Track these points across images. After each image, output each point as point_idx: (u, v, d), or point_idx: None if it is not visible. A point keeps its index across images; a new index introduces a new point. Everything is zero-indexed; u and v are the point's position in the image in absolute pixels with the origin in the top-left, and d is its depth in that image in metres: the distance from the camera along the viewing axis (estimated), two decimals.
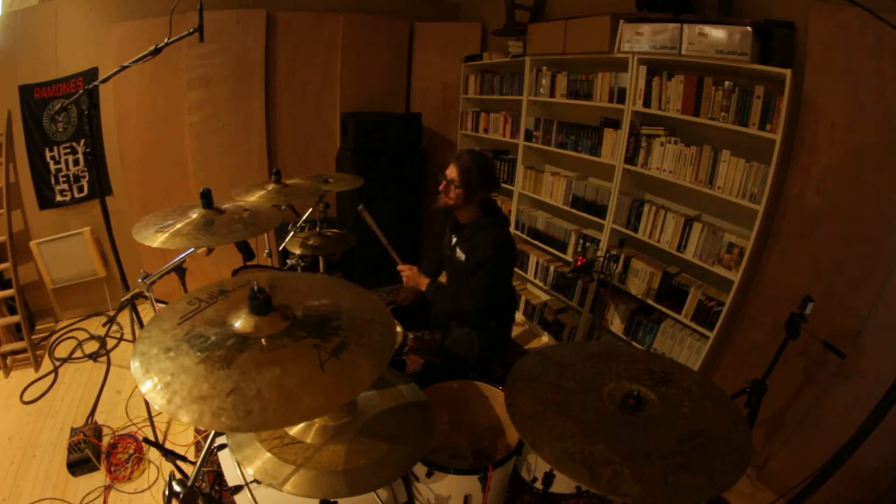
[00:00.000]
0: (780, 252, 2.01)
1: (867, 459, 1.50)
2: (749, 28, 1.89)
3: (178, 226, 1.47)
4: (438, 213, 2.09)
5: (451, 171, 1.90)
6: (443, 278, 2.21)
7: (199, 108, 3.22)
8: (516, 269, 3.25)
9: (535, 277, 3.27)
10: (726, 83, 2.00)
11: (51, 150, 2.96)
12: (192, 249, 1.59)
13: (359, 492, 1.01)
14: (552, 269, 3.10)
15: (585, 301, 2.66)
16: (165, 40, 1.83)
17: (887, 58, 1.60)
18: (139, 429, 2.19)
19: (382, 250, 2.11)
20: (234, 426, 0.77)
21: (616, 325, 2.69)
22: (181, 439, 2.14)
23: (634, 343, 2.58)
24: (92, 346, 2.87)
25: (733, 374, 2.17)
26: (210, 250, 1.75)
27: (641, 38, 2.29)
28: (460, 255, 1.98)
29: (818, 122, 1.82)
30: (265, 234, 1.94)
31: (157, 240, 1.42)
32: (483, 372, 2.05)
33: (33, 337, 2.86)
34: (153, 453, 2.06)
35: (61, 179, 3.03)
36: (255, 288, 0.95)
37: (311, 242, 2.28)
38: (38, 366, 2.69)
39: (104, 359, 2.74)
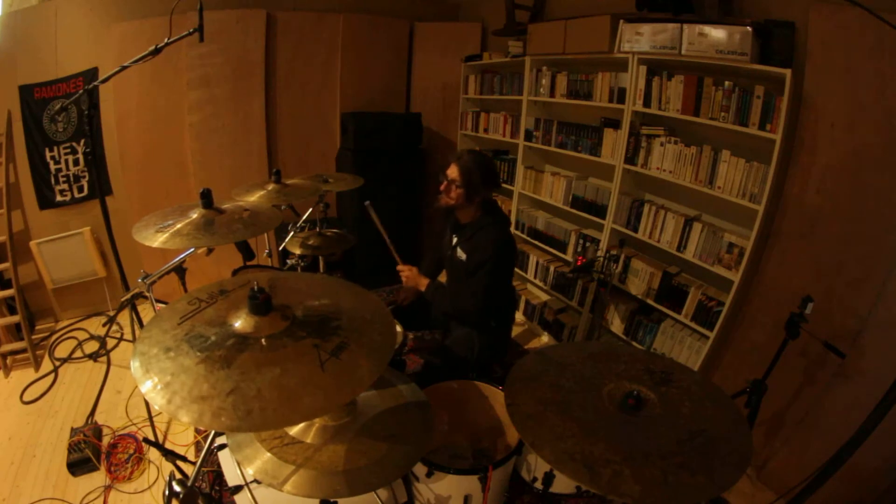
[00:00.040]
0: (780, 252, 2.01)
1: (867, 459, 1.50)
2: (749, 28, 1.89)
3: (178, 226, 1.47)
4: (439, 213, 2.09)
5: (453, 171, 1.90)
6: (443, 278, 2.21)
7: (199, 108, 3.22)
8: (516, 269, 3.25)
9: (535, 277, 3.27)
10: (726, 83, 2.00)
11: (51, 150, 2.96)
12: (192, 249, 1.59)
13: (359, 492, 1.01)
14: (552, 269, 3.10)
15: (585, 301, 2.66)
16: (165, 40, 1.83)
17: (887, 58, 1.60)
18: (139, 429, 2.19)
19: (383, 250, 2.11)
20: (234, 426, 0.77)
21: (616, 325, 2.69)
22: (181, 439, 2.14)
23: (634, 343, 2.58)
24: (92, 346, 2.87)
25: (733, 374, 2.17)
26: (210, 250, 1.75)
27: (641, 38, 2.29)
28: (461, 254, 1.98)
29: (818, 122, 1.82)
30: (265, 234, 1.94)
31: (157, 240, 1.42)
32: (483, 372, 2.05)
33: (33, 337, 2.86)
34: (153, 453, 2.06)
35: (61, 179, 3.03)
36: (255, 288, 0.95)
37: (311, 242, 2.28)
38: (38, 366, 2.69)
39: (104, 359, 2.74)
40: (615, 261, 2.50)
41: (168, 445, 2.08)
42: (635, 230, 2.52)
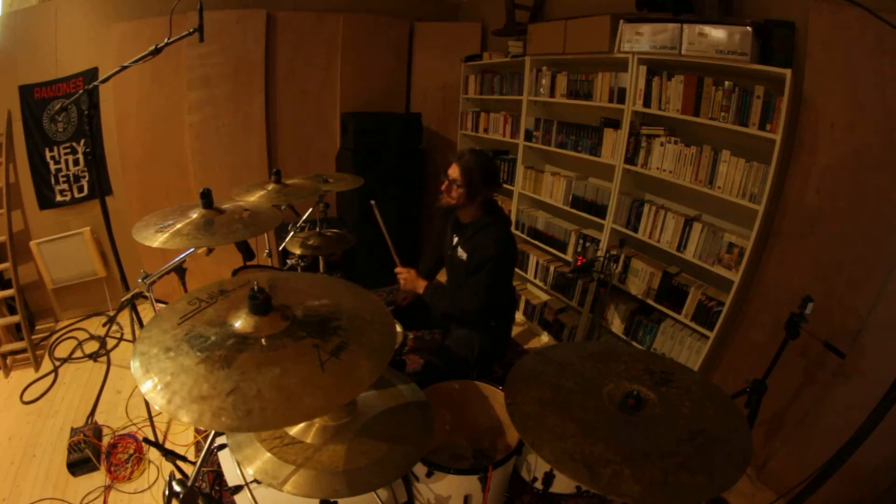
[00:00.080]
0: (780, 252, 2.01)
1: (867, 459, 1.50)
2: (749, 28, 1.89)
3: (178, 226, 1.47)
4: (439, 213, 2.09)
5: (454, 171, 1.90)
6: (442, 277, 2.21)
7: (199, 108, 3.22)
8: (516, 269, 3.25)
9: (535, 277, 3.27)
10: (726, 83, 2.00)
11: (51, 150, 2.96)
12: (192, 249, 1.59)
13: (359, 492, 1.01)
14: (552, 269, 3.10)
15: (585, 301, 2.66)
16: (165, 40, 1.83)
17: (887, 58, 1.60)
18: (139, 429, 2.19)
19: (383, 250, 2.11)
20: (234, 426, 0.77)
21: (616, 325, 2.69)
22: (181, 439, 2.14)
23: (634, 343, 2.58)
24: (92, 346, 2.87)
25: (733, 374, 2.17)
26: (210, 250, 1.75)
27: (641, 38, 2.29)
28: (462, 254, 1.98)
29: (818, 122, 1.82)
30: (265, 234, 1.94)
31: (157, 240, 1.42)
32: (483, 372, 2.05)
33: (33, 337, 2.86)
34: (153, 453, 2.06)
35: (61, 179, 3.03)
36: (255, 288, 0.95)
37: (311, 242, 2.28)
38: (38, 366, 2.69)
39: (104, 359, 2.74)
40: (615, 261, 2.50)
41: (168, 445, 2.08)
42: (635, 230, 2.52)
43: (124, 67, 1.87)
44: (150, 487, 1.91)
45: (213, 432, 1.20)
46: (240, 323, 0.94)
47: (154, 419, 2.18)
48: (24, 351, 2.70)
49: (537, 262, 3.21)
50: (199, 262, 2.10)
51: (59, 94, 2.88)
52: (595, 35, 2.50)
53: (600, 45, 2.48)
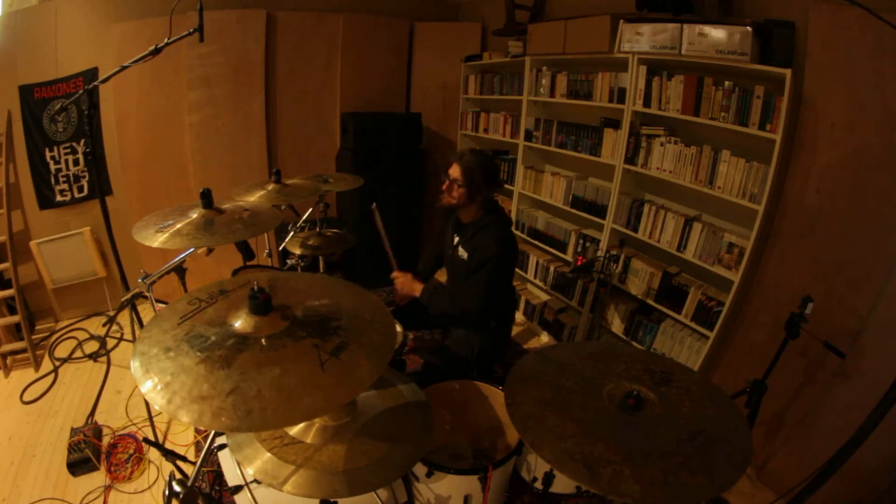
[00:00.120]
0: (780, 252, 2.01)
1: (867, 459, 1.50)
2: (749, 28, 1.89)
3: (178, 226, 1.47)
4: (439, 213, 2.09)
5: (454, 171, 1.90)
6: (441, 276, 2.21)
7: (199, 108, 3.22)
8: (516, 269, 3.25)
9: (535, 277, 3.27)
10: (726, 83, 2.00)
11: (51, 150, 2.96)
12: (192, 249, 1.59)
13: (359, 492, 1.01)
14: (552, 269, 3.10)
15: (585, 301, 2.66)
16: (165, 40, 1.83)
17: (887, 58, 1.60)
18: (139, 429, 2.19)
19: (383, 251, 2.11)
20: (234, 426, 0.77)
21: (616, 325, 2.69)
22: (181, 439, 2.14)
23: (634, 343, 2.58)
24: (92, 346, 2.87)
25: (733, 374, 2.18)
26: (210, 250, 1.75)
27: (641, 38, 2.29)
28: (462, 253, 1.98)
29: (818, 122, 1.82)
30: (265, 234, 1.94)
31: (157, 240, 1.41)
32: (483, 372, 2.05)
33: (33, 337, 2.86)
34: (153, 453, 2.06)
35: (61, 179, 3.03)
36: (255, 288, 0.95)
37: (311, 242, 2.28)
38: (38, 366, 2.69)
39: (104, 359, 2.74)
40: (615, 261, 2.50)
41: (168, 445, 2.08)
42: (635, 230, 2.52)
43: (124, 67, 1.87)
44: (150, 487, 1.91)
45: (213, 432, 1.20)
46: (240, 323, 0.94)
47: (154, 419, 2.18)
48: (24, 351, 2.70)
49: (537, 262, 3.21)
50: (199, 262, 2.11)
51: (59, 94, 2.88)
52: (595, 35, 2.50)
53: (600, 45, 2.48)
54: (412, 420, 1.20)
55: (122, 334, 2.98)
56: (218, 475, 1.73)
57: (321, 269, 2.63)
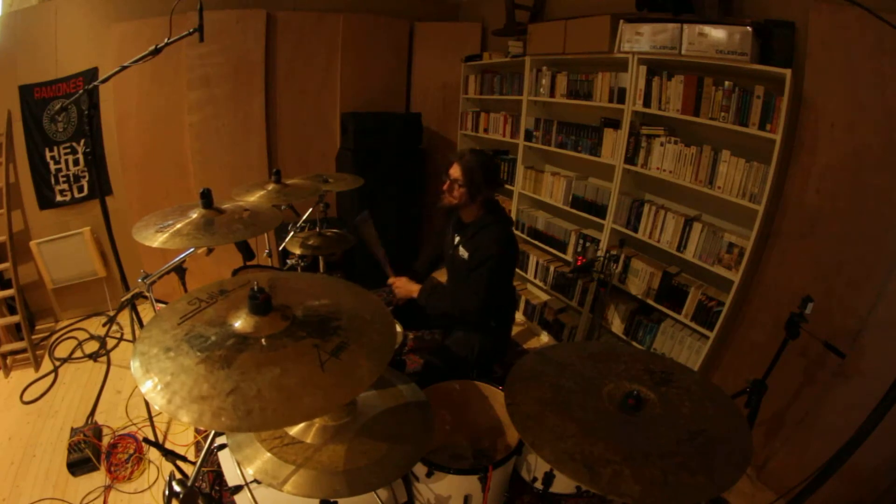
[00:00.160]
0: (780, 252, 2.01)
1: (867, 459, 1.50)
2: (749, 28, 1.89)
3: (178, 226, 1.47)
4: (440, 213, 2.09)
5: (455, 171, 1.90)
6: (441, 276, 2.21)
7: (199, 108, 3.22)
8: (517, 269, 3.26)
9: (535, 277, 3.27)
10: (726, 83, 2.00)
11: (51, 150, 2.96)
12: (192, 249, 1.59)
13: (359, 492, 1.01)
14: (552, 269, 3.10)
15: (585, 301, 2.66)
16: (165, 40, 1.83)
17: (887, 58, 1.60)
18: (139, 429, 2.19)
19: (383, 249, 2.11)
20: (234, 426, 0.77)
21: (616, 325, 2.69)
22: (181, 439, 2.14)
23: (634, 343, 2.58)
24: (92, 346, 2.87)
25: (733, 374, 2.18)
26: (210, 250, 1.75)
27: (641, 38, 2.29)
28: (463, 253, 1.99)
29: (818, 122, 1.82)
30: (265, 234, 1.94)
31: (157, 240, 1.41)
32: (483, 372, 2.05)
33: (33, 337, 2.86)
34: (153, 453, 2.06)
35: (61, 179, 3.03)
36: (255, 288, 0.95)
37: (311, 242, 2.28)
38: (38, 366, 2.69)
39: (104, 359, 2.74)
40: (615, 261, 2.50)
41: (168, 445, 2.08)
42: (635, 230, 2.52)
43: (124, 67, 1.87)
44: (150, 487, 1.91)
45: (213, 432, 1.20)
46: (240, 323, 0.94)
47: (154, 419, 2.18)
48: (24, 351, 2.70)
49: (537, 262, 3.21)
50: (199, 262, 2.11)
51: (59, 94, 2.88)
52: (595, 35, 2.50)
53: (600, 45, 2.48)
54: (412, 420, 1.20)
55: (122, 334, 2.97)
56: (218, 475, 1.73)
57: (321, 269, 2.63)
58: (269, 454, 1.05)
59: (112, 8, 2.88)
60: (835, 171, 1.80)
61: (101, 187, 2.36)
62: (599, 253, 2.58)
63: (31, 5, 2.78)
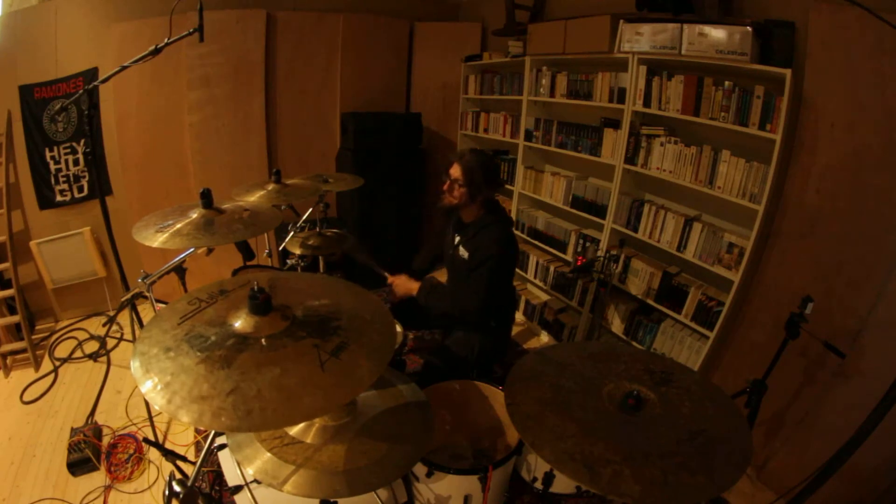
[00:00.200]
0: (780, 252, 2.01)
1: (867, 459, 1.50)
2: (749, 28, 1.89)
3: (178, 226, 1.47)
4: (440, 213, 2.09)
5: (455, 170, 1.90)
6: (441, 276, 2.22)
7: (199, 108, 3.22)
8: (517, 269, 3.26)
9: (535, 277, 3.27)
10: (726, 83, 2.00)
11: (51, 150, 2.96)
12: (192, 249, 1.59)
13: (359, 492, 1.01)
14: (552, 269, 3.10)
15: (585, 301, 2.66)
16: (165, 40, 1.83)
17: (887, 58, 1.60)
18: (139, 429, 2.19)
19: (383, 250, 2.12)
20: (234, 426, 0.77)
21: (616, 325, 2.69)
22: (181, 439, 2.14)
23: (634, 343, 2.58)
24: (92, 346, 2.87)
25: (733, 374, 2.17)
26: (210, 250, 1.75)
27: (641, 38, 2.29)
28: (463, 253, 1.99)
29: (818, 122, 1.82)
30: (265, 234, 1.94)
31: (157, 240, 1.41)
32: (483, 372, 2.05)
33: (33, 337, 2.86)
34: (153, 453, 2.06)
35: (61, 179, 3.03)
36: (255, 288, 0.95)
37: (311, 242, 2.28)
38: (38, 366, 2.69)
39: (104, 359, 2.74)
40: (615, 261, 2.50)
41: (168, 445, 2.08)
42: (635, 230, 2.52)
43: (124, 67, 1.87)
44: (150, 487, 1.91)
45: (213, 432, 1.20)
46: (240, 323, 0.94)
47: (154, 419, 2.18)
48: (24, 351, 2.70)
49: (537, 262, 3.21)
50: (199, 262, 2.10)
51: (59, 94, 2.88)
52: (595, 35, 2.50)
53: (600, 45, 2.48)
54: (412, 420, 1.20)
55: (122, 334, 2.97)
56: (218, 475, 1.73)
57: (321, 269, 2.63)
58: (269, 454, 1.05)
59: (112, 8, 2.88)
60: (835, 171, 1.80)
61: (101, 187, 2.36)
62: (599, 253, 2.58)
63: (31, 5, 2.78)
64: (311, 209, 2.47)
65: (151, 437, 2.11)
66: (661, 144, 2.33)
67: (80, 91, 1.92)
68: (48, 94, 2.86)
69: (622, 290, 2.63)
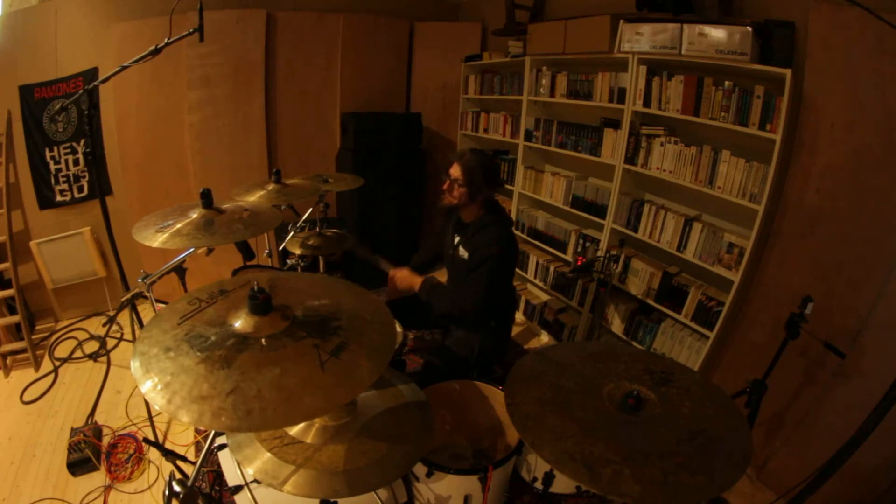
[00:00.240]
0: (780, 252, 2.01)
1: (867, 459, 1.50)
2: (749, 28, 1.89)
3: (178, 226, 1.47)
4: (440, 213, 2.09)
5: (455, 170, 1.90)
6: (442, 277, 2.22)
7: (199, 108, 3.22)
8: (517, 269, 3.26)
9: (535, 277, 3.27)
10: (726, 83, 2.00)
11: (51, 150, 2.96)
12: (192, 249, 1.59)
13: (359, 492, 1.01)
14: (552, 269, 3.10)
15: (585, 301, 2.66)
16: (165, 40, 1.83)
17: (887, 58, 1.60)
18: (139, 429, 2.19)
19: (383, 249, 2.12)
20: (234, 426, 0.77)
21: (616, 325, 2.69)
22: (181, 439, 2.14)
23: (634, 343, 2.58)
24: (92, 346, 2.87)
25: (733, 374, 2.17)
26: (210, 250, 1.75)
27: (641, 38, 2.29)
28: (463, 253, 1.99)
29: (818, 122, 1.82)
30: (265, 234, 1.94)
31: (157, 240, 1.41)
32: (483, 372, 2.05)
33: (33, 337, 2.86)
34: (153, 453, 2.06)
35: (61, 179, 3.03)
36: (255, 288, 0.95)
37: (311, 242, 2.28)
38: (38, 366, 2.69)
39: (104, 359, 2.74)
40: (615, 261, 2.50)
41: (168, 445, 2.08)
42: (635, 230, 2.52)
43: (124, 67, 1.87)
44: (150, 487, 1.91)
45: (213, 432, 1.20)
46: (240, 323, 0.94)
47: (154, 419, 2.18)
48: (24, 351, 2.70)
49: (537, 262, 3.21)
50: (199, 262, 2.10)
51: (59, 94, 2.88)
52: (595, 35, 2.50)
53: (600, 45, 2.48)
54: (412, 420, 1.20)
55: (122, 334, 2.97)
56: (218, 475, 1.73)
57: (321, 269, 2.63)
58: (269, 454, 1.05)
59: (112, 8, 2.88)
60: (835, 171, 1.80)
61: (101, 187, 2.36)
62: (599, 253, 2.58)
63: (31, 5, 2.78)
64: (311, 209, 2.47)
65: (151, 437, 2.11)
66: (661, 144, 2.33)
67: (80, 91, 1.92)
68: (48, 94, 2.86)
69: (622, 290, 2.63)
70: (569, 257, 2.95)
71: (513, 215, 3.32)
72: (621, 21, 2.36)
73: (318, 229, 2.38)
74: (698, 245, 2.22)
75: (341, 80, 3.63)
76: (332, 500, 1.00)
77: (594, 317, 2.58)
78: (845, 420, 1.56)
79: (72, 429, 2.09)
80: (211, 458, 1.73)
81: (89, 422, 2.20)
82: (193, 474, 1.05)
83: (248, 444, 1.09)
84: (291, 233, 2.38)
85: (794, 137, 1.89)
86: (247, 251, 1.71)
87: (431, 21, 3.89)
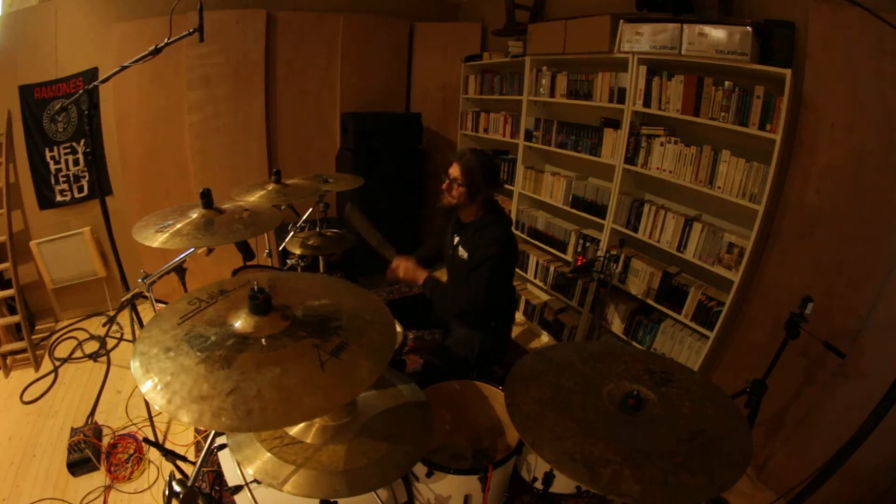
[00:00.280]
0: (780, 252, 2.01)
1: (867, 459, 1.50)
2: (749, 28, 1.89)
3: (178, 226, 1.47)
4: (440, 213, 2.09)
5: (455, 170, 1.90)
6: (442, 276, 2.21)
7: (199, 108, 3.22)
8: (517, 269, 3.26)
9: (535, 277, 3.26)
10: (726, 83, 2.00)
11: (51, 150, 2.96)
12: (192, 249, 1.59)
13: (359, 492, 1.01)
14: (552, 269, 3.10)
15: (585, 301, 2.66)
16: (165, 40, 1.83)
17: (887, 58, 1.60)
18: (139, 429, 2.19)
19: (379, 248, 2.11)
20: (234, 426, 0.77)
21: (616, 325, 2.69)
22: (181, 439, 2.14)
23: (634, 343, 2.58)
24: (92, 346, 2.87)
25: (733, 374, 2.17)
26: (210, 250, 1.75)
27: (641, 38, 2.29)
28: (463, 253, 1.98)
29: (818, 122, 1.82)
30: (265, 234, 1.94)
31: (157, 240, 1.42)
32: (483, 372, 2.05)
33: (33, 337, 2.86)
34: (153, 453, 2.06)
35: (61, 179, 3.03)
36: (255, 288, 0.95)
37: (311, 242, 2.28)
38: (38, 366, 2.69)
39: (104, 359, 2.74)
40: (615, 261, 2.50)
41: (168, 445, 2.08)
42: (635, 230, 2.52)
43: (124, 67, 1.87)
44: (150, 487, 1.91)
45: (213, 432, 1.20)
46: (240, 323, 0.94)
47: (154, 419, 2.18)
48: (24, 351, 2.70)
49: (537, 262, 3.21)
50: (199, 262, 2.10)
51: (59, 94, 2.88)
52: (595, 35, 2.50)
53: (600, 45, 2.48)
54: (412, 420, 1.20)
55: (122, 334, 2.97)
56: (218, 475, 1.73)
57: (321, 269, 2.63)
58: (269, 454, 1.05)
59: (112, 8, 2.88)
60: (835, 171, 1.80)
61: (101, 187, 2.36)
62: (599, 253, 2.58)
63: (31, 5, 2.78)
64: (311, 209, 2.47)
65: (151, 437, 2.11)
66: (661, 144, 2.33)
67: (80, 91, 1.92)
68: (48, 94, 2.86)
69: (622, 290, 2.63)
70: (569, 257, 2.95)
71: (513, 215, 3.32)
72: (621, 21, 2.37)
73: (318, 229, 2.38)
74: (698, 245, 2.22)
75: (341, 80, 3.63)
76: (332, 500, 1.00)
77: (594, 317, 2.58)
78: (845, 420, 1.56)
79: (72, 429, 2.09)
80: (211, 458, 1.73)
81: (89, 422, 2.20)
82: (193, 474, 1.05)
83: (248, 444, 1.09)
84: (291, 233, 2.39)
85: (794, 137, 1.89)
86: (247, 251, 1.71)
87: (431, 21, 3.89)
